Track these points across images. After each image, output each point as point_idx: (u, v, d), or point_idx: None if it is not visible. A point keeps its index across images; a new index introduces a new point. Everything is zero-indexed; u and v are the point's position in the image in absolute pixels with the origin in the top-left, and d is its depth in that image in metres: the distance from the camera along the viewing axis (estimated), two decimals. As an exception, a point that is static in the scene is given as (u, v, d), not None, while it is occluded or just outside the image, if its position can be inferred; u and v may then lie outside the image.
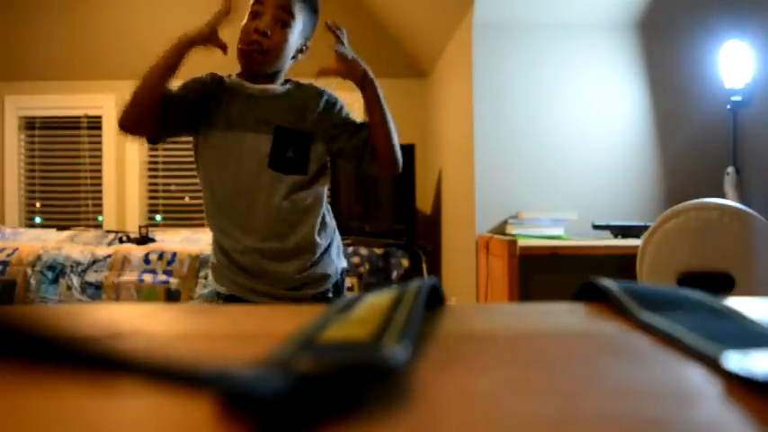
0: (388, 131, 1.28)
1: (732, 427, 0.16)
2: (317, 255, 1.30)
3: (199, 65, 1.29)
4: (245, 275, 1.28)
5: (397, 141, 1.29)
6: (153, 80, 1.20)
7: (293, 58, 1.32)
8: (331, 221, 1.37)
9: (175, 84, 1.27)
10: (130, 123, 1.22)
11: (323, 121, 1.30)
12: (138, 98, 1.20)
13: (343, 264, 1.39)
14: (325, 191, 1.35)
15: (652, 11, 2.73)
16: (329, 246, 1.34)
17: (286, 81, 1.34)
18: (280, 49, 1.26)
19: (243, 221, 1.26)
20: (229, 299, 1.30)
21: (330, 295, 1.33)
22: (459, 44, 3.07)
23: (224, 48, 1.23)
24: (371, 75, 1.28)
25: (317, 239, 1.30)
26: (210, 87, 1.29)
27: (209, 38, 1.22)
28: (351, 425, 0.16)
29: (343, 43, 1.28)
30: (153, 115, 1.21)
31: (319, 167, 1.31)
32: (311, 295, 1.30)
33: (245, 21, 1.26)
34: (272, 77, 1.30)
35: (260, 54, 1.24)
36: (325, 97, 1.32)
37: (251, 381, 0.15)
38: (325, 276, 1.32)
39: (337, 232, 1.40)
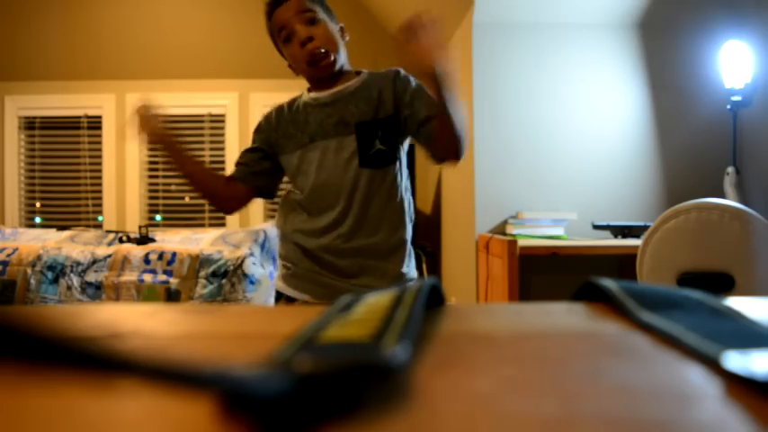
0: (451, 124, 1.16)
1: (732, 427, 0.16)
2: (407, 252, 1.29)
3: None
4: (342, 279, 1.25)
5: (461, 133, 1.18)
6: (196, 189, 1.32)
7: (343, 40, 1.30)
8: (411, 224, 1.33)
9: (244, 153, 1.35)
10: (224, 210, 1.35)
11: (401, 97, 1.25)
12: (208, 199, 1.34)
13: (413, 273, 1.36)
14: (406, 180, 1.30)
15: (652, 11, 2.73)
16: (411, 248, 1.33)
17: (357, 72, 1.31)
18: (331, 39, 1.25)
19: (342, 225, 1.24)
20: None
21: None
22: (460, 44, 3.07)
23: (171, 138, 1.32)
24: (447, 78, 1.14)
25: (407, 235, 1.29)
26: (274, 126, 1.32)
27: (163, 140, 1.32)
28: (351, 425, 0.16)
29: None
30: (230, 197, 1.33)
31: (404, 148, 1.29)
32: None
33: (287, 53, 1.28)
34: (341, 74, 1.28)
35: (323, 56, 1.24)
36: (398, 74, 1.28)
37: (251, 381, 0.15)
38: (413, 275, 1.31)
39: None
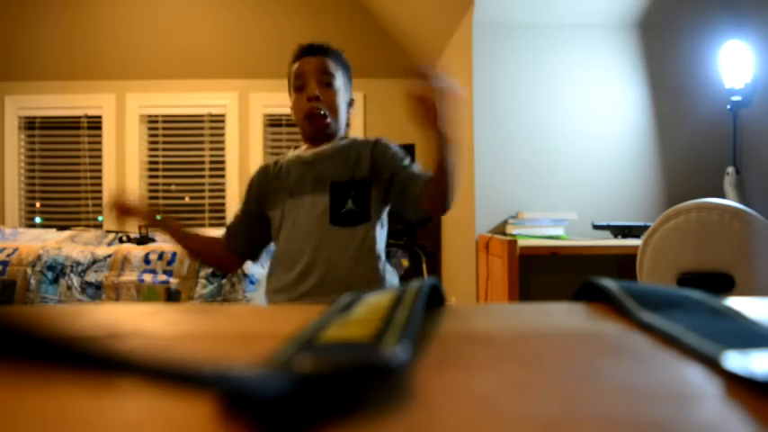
0: (442, 181, 1.16)
1: (732, 427, 0.16)
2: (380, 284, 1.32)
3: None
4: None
5: (450, 190, 1.17)
6: (200, 261, 1.44)
7: (349, 108, 1.38)
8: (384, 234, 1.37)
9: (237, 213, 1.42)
10: (230, 271, 1.51)
11: (378, 163, 1.30)
12: (212, 267, 1.48)
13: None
14: (384, 235, 1.35)
15: (652, 11, 2.73)
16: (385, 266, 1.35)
17: (342, 138, 1.37)
18: (334, 106, 1.32)
19: (307, 281, 1.26)
20: None
21: None
22: (459, 44, 3.07)
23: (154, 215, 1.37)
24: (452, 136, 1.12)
25: (382, 278, 1.30)
26: (263, 183, 1.38)
27: (156, 224, 1.36)
28: (351, 425, 0.16)
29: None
30: (227, 261, 1.43)
31: (380, 210, 1.32)
32: None
33: (293, 99, 1.34)
34: (332, 137, 1.34)
35: (320, 117, 1.30)
36: (378, 142, 1.33)
37: (251, 381, 0.15)
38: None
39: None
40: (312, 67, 1.30)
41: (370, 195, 1.29)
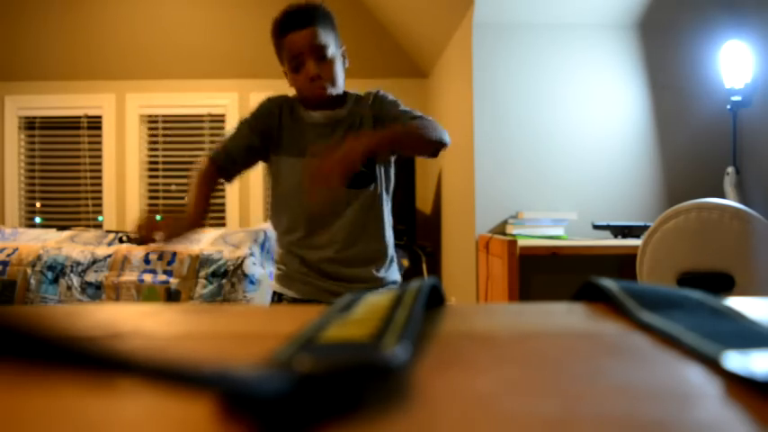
0: (421, 140, 1.31)
1: (732, 427, 0.16)
2: (388, 258, 1.39)
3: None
4: (327, 279, 1.36)
5: (434, 138, 1.31)
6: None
7: (344, 62, 1.38)
8: (386, 207, 1.42)
9: (240, 126, 1.39)
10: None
11: (378, 119, 1.36)
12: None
13: (397, 277, 1.44)
14: (387, 195, 1.40)
15: (652, 11, 2.73)
16: (394, 254, 1.42)
17: (345, 95, 1.39)
18: (336, 78, 1.33)
19: (322, 236, 1.34)
20: (296, 302, 1.38)
21: None
22: (460, 44, 3.07)
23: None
24: (374, 138, 1.23)
25: (386, 244, 1.39)
26: (276, 122, 1.37)
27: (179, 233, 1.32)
28: (351, 425, 0.16)
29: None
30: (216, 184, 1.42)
31: (385, 169, 1.38)
32: None
33: (290, 76, 1.34)
34: (335, 100, 1.36)
35: (324, 93, 1.32)
36: (376, 97, 1.38)
37: (251, 381, 0.15)
38: (395, 282, 1.41)
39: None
40: (305, 43, 1.28)
41: (375, 157, 1.33)
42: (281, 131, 1.36)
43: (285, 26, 1.30)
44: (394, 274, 1.42)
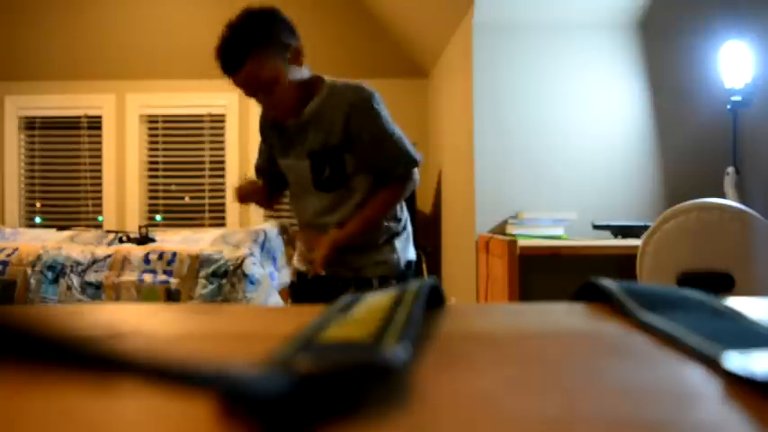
0: (384, 215, 1.40)
1: (732, 427, 0.16)
2: (379, 244, 1.41)
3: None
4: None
5: (393, 204, 1.40)
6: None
7: (295, 65, 1.31)
8: (401, 213, 1.46)
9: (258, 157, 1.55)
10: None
11: (352, 137, 1.32)
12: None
13: (410, 255, 1.46)
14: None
15: (652, 11, 2.73)
16: (393, 236, 1.42)
17: (313, 86, 1.35)
18: (288, 100, 1.32)
19: (310, 225, 1.44)
20: (304, 277, 1.48)
21: (394, 282, 1.42)
22: (460, 44, 3.07)
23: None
24: (341, 238, 1.35)
25: (382, 228, 1.41)
26: (267, 126, 1.48)
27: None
28: (351, 425, 0.16)
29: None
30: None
31: (359, 169, 1.37)
32: (376, 277, 1.40)
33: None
34: (298, 106, 1.35)
35: (280, 117, 1.37)
36: (354, 111, 1.31)
37: (251, 381, 0.15)
38: (384, 263, 1.41)
39: (408, 223, 1.49)
40: (242, 84, 1.28)
41: (345, 161, 1.35)
42: (273, 139, 1.45)
43: (223, 66, 1.28)
44: (397, 255, 1.42)
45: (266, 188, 1.51)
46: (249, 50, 1.24)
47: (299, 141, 1.36)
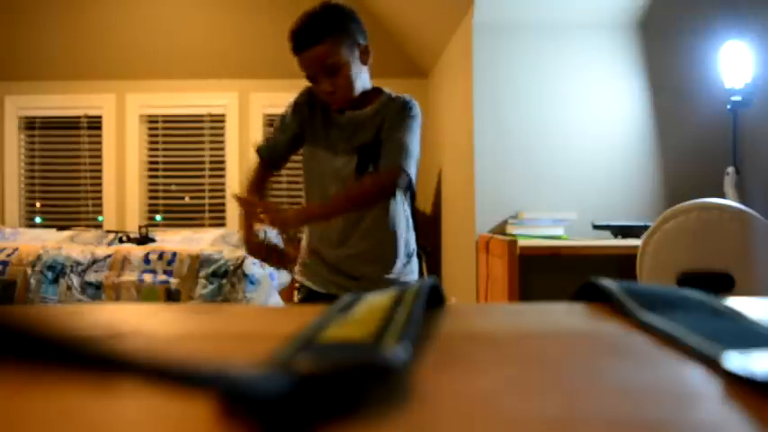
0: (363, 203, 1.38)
1: (732, 427, 0.16)
2: (399, 258, 1.44)
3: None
4: (341, 276, 1.43)
5: (374, 198, 1.38)
6: None
7: (362, 64, 1.39)
8: (399, 207, 1.46)
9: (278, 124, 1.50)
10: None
11: (383, 126, 1.38)
12: None
13: (411, 246, 1.48)
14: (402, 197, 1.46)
15: (652, 11, 2.73)
16: (409, 252, 1.47)
17: (374, 93, 1.42)
18: (350, 88, 1.35)
19: (330, 231, 1.42)
20: (315, 295, 1.46)
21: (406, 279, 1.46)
22: (460, 44, 3.07)
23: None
24: (308, 213, 1.40)
25: (396, 243, 1.43)
26: (307, 111, 1.44)
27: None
28: (351, 425, 0.16)
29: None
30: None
31: None
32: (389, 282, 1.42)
33: (309, 82, 1.39)
34: (359, 99, 1.39)
35: (341, 106, 1.38)
36: (399, 107, 1.39)
37: (251, 381, 0.15)
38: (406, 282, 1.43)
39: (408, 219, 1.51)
40: (314, 62, 1.31)
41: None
42: (313, 122, 1.43)
43: (296, 44, 1.33)
44: (405, 274, 1.45)
45: (262, 173, 1.49)
46: (326, 33, 1.31)
47: (348, 136, 1.38)
